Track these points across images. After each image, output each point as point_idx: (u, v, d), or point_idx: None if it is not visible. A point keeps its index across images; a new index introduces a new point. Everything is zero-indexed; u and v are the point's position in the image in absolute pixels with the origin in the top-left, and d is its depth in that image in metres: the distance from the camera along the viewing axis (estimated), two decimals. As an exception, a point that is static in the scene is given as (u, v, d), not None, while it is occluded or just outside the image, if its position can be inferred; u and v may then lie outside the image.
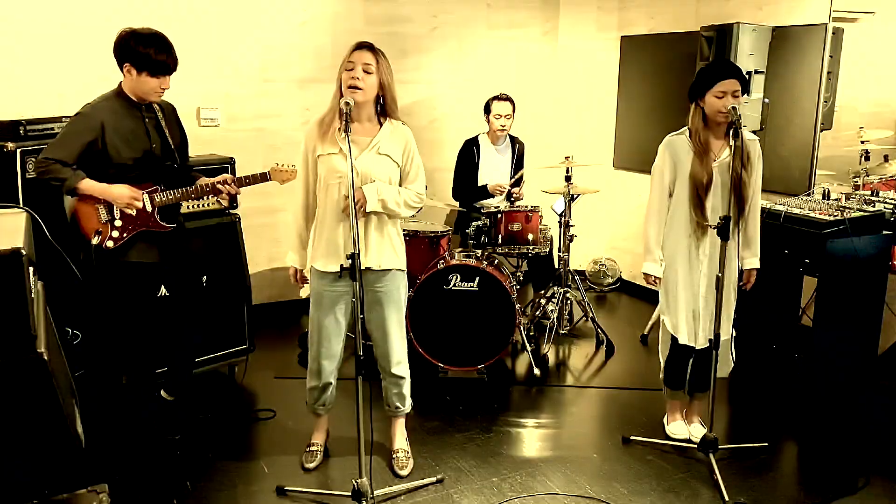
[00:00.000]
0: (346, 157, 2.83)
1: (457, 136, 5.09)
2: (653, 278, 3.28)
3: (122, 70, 3.04)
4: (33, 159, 3.38)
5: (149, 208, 3.13)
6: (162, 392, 3.58)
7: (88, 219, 3.08)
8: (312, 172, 2.98)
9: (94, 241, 3.07)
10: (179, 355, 3.52)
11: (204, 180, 3.22)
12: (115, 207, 3.08)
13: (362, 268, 2.92)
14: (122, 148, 3.05)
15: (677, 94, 4.97)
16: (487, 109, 4.78)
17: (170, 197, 3.16)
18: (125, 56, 2.99)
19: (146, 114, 3.14)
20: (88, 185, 3.01)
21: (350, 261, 2.61)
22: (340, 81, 2.85)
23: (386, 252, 3.00)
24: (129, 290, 3.22)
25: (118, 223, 3.10)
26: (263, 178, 3.23)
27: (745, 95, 4.17)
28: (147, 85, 3.02)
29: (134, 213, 3.11)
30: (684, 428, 3.47)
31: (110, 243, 3.09)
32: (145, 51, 2.95)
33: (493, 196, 4.78)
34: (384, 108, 2.95)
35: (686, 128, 3.20)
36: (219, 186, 3.19)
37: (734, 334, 3.29)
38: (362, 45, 2.86)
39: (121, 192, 3.05)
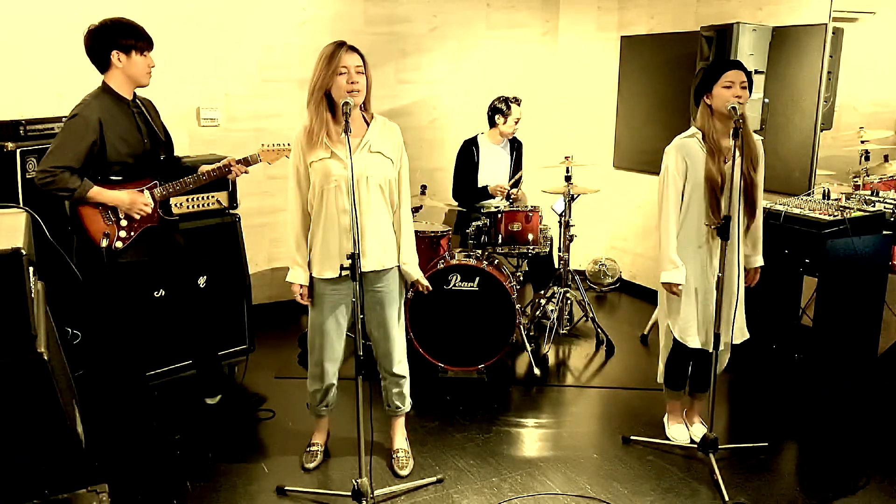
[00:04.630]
0: (340, 160, 2.84)
1: (457, 136, 5.09)
2: (677, 287, 3.15)
3: (107, 63, 3.03)
4: (33, 159, 3.38)
5: (151, 204, 3.16)
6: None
7: (93, 222, 3.08)
8: (305, 181, 2.94)
9: (104, 243, 3.07)
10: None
11: (205, 167, 3.26)
12: (118, 208, 3.09)
13: (364, 271, 2.92)
14: (120, 145, 3.05)
15: (677, 94, 5.00)
16: (503, 112, 4.72)
17: (169, 190, 3.19)
18: (109, 46, 3.00)
19: (133, 108, 3.15)
20: (98, 193, 3.02)
21: (349, 261, 2.60)
22: (325, 85, 2.79)
23: (386, 251, 2.99)
24: (133, 289, 3.24)
25: (124, 223, 3.12)
26: (255, 160, 3.29)
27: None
28: (139, 66, 3.05)
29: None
30: (685, 431, 3.46)
31: (119, 244, 3.11)
32: (125, 34, 3.00)
33: (493, 197, 4.78)
34: (364, 104, 2.91)
35: (694, 129, 3.15)
36: (232, 167, 3.24)
37: (746, 337, 3.26)
38: (348, 48, 2.79)
39: (133, 198, 3.08)
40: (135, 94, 3.17)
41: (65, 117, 3.60)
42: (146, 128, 3.18)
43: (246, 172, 3.34)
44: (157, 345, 3.62)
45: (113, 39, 2.99)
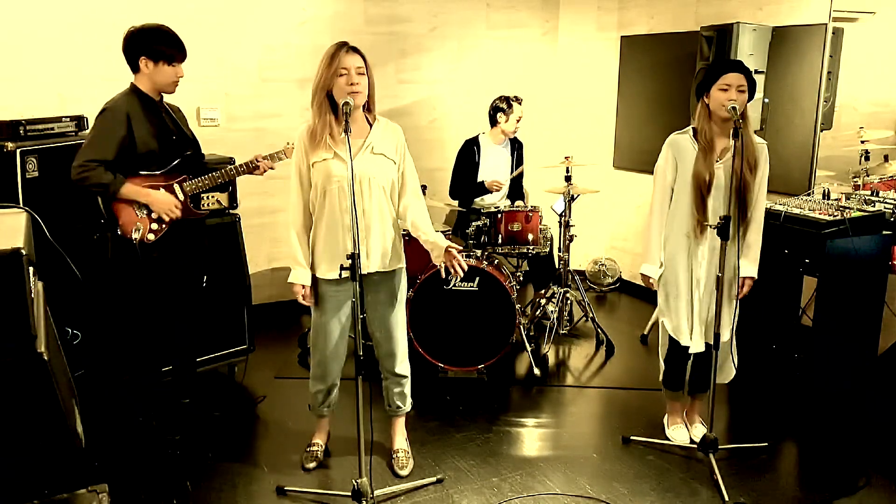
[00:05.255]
0: (342, 160, 2.84)
1: (457, 136, 5.09)
2: (650, 280, 3.27)
3: (136, 66, 3.12)
4: (33, 159, 3.39)
5: (181, 198, 3.22)
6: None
7: (125, 214, 3.13)
8: (307, 181, 2.94)
9: (136, 236, 3.13)
10: (183, 356, 3.53)
11: (230, 167, 3.34)
12: (149, 206, 3.16)
13: (364, 272, 2.91)
14: (149, 140, 3.12)
15: (677, 94, 4.99)
16: (504, 111, 4.72)
17: (199, 185, 3.26)
18: (139, 51, 3.09)
19: (161, 108, 3.23)
20: (131, 190, 3.08)
21: (350, 261, 2.60)
22: (326, 86, 2.80)
23: (389, 252, 2.99)
24: (165, 283, 3.29)
25: (155, 215, 3.17)
26: (281, 157, 3.37)
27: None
28: (165, 74, 3.13)
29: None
30: (685, 432, 3.46)
31: (151, 236, 3.16)
32: (157, 41, 3.08)
33: (490, 192, 4.77)
34: (368, 105, 2.92)
35: (690, 127, 3.17)
36: (258, 163, 3.33)
37: (733, 339, 3.27)
38: (349, 49, 2.80)
39: (165, 199, 3.15)
40: (162, 97, 3.25)
41: (66, 117, 3.66)
42: (174, 126, 3.27)
43: (272, 168, 3.39)
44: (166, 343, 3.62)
45: (144, 45, 3.09)
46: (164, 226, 3.18)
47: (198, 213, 3.33)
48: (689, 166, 3.10)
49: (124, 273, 3.21)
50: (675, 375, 3.40)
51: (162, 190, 3.17)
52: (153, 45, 3.08)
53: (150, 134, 3.13)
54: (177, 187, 3.22)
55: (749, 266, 3.17)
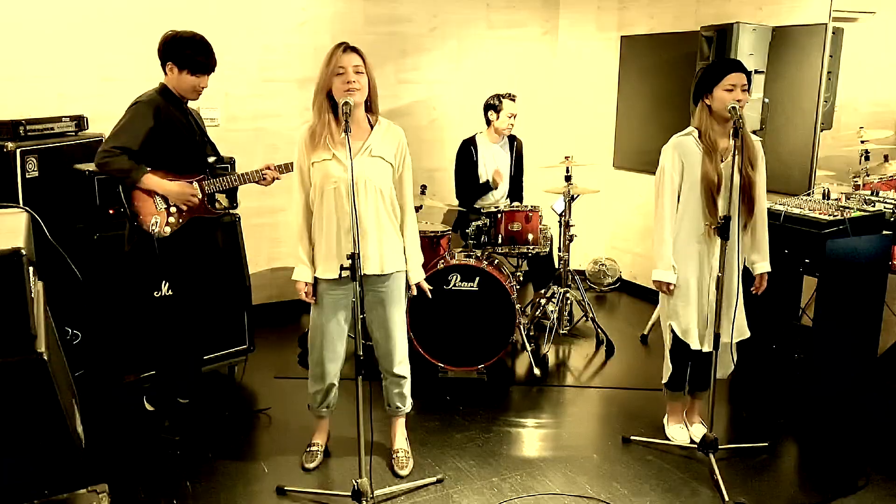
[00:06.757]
0: (340, 161, 2.84)
1: (456, 136, 5.09)
2: (667, 286, 3.20)
3: (164, 69, 3.19)
4: (33, 159, 3.40)
5: (199, 195, 3.28)
6: (178, 399, 3.62)
7: (145, 206, 3.18)
8: (308, 180, 2.96)
9: (154, 229, 3.19)
10: (189, 356, 3.54)
11: (245, 173, 3.43)
12: (168, 196, 3.21)
13: (363, 273, 2.91)
14: (175, 136, 3.19)
15: (677, 94, 4.99)
16: (495, 108, 4.74)
17: (218, 185, 3.34)
18: (168, 55, 3.17)
19: (187, 108, 3.31)
20: (151, 180, 3.14)
21: (350, 261, 2.60)
22: (325, 87, 2.82)
23: (386, 255, 2.98)
24: (182, 275, 3.37)
25: (173, 209, 3.23)
26: (289, 168, 3.39)
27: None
28: (187, 82, 3.19)
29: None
30: (685, 433, 3.46)
31: (168, 229, 3.21)
32: (186, 51, 3.15)
33: (496, 187, 4.76)
34: (370, 106, 2.92)
35: (691, 128, 3.16)
36: (265, 173, 3.39)
37: (746, 336, 3.27)
38: (346, 48, 2.80)
39: (181, 189, 3.21)
40: (186, 100, 3.31)
41: (66, 117, 3.68)
42: (197, 128, 3.35)
43: (278, 178, 3.45)
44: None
45: (173, 51, 3.16)
46: (181, 220, 3.24)
47: (214, 212, 3.40)
48: (695, 169, 3.09)
49: (140, 266, 3.30)
50: (677, 376, 3.39)
51: (181, 181, 3.24)
52: (182, 51, 3.14)
53: (177, 131, 3.20)
54: (195, 185, 3.28)
55: (763, 262, 3.22)
